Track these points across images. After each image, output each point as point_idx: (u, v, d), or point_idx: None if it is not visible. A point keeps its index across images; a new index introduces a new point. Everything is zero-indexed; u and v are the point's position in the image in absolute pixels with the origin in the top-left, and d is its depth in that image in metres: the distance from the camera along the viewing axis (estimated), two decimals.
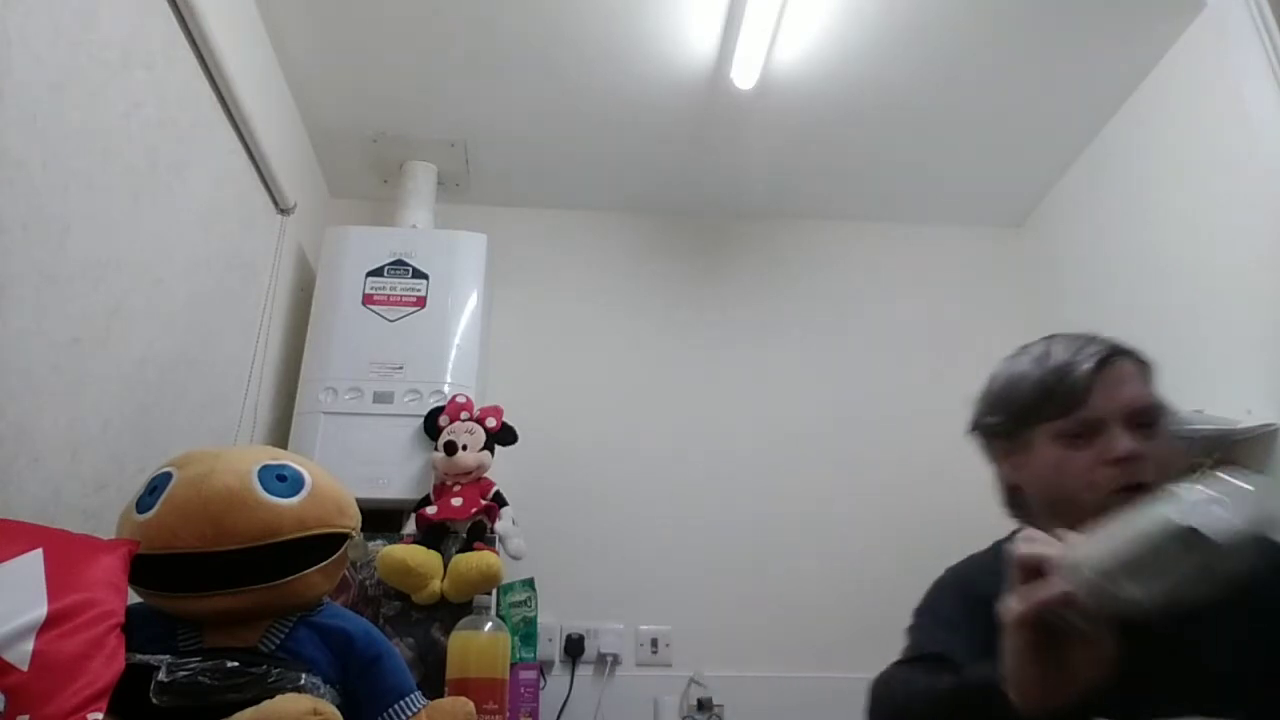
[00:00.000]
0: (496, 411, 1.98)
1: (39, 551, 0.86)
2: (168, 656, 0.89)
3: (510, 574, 1.92)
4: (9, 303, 1.11)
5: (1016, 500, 1.03)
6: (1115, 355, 0.97)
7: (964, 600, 1.01)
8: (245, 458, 1.05)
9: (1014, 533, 0.95)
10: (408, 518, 1.90)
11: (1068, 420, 0.94)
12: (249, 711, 0.85)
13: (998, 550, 1.02)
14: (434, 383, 2.07)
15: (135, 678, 0.86)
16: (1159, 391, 0.98)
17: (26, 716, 0.76)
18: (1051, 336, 1.03)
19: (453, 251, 2.26)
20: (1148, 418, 0.94)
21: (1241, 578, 0.63)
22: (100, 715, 0.80)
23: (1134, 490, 0.88)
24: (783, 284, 2.71)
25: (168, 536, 0.96)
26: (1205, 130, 2.01)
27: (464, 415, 1.96)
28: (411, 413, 2.02)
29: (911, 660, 1.00)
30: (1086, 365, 0.95)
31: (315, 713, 0.86)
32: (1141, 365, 0.99)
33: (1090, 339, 0.99)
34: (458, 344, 2.14)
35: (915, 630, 1.05)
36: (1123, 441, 0.91)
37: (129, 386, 1.43)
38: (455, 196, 2.62)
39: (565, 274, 2.66)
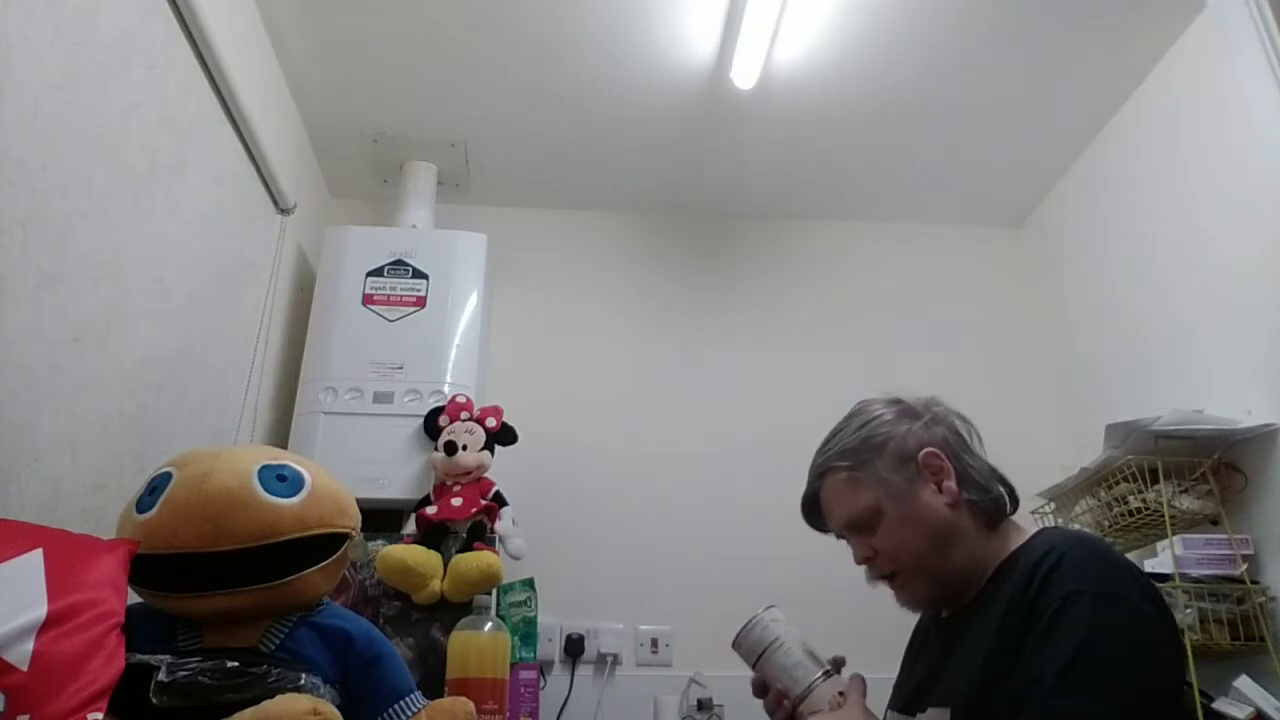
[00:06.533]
0: (496, 411, 1.98)
1: (39, 551, 0.86)
2: (168, 656, 0.89)
3: (510, 574, 1.92)
4: (9, 303, 1.11)
5: None
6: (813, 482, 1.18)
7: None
8: (245, 458, 1.04)
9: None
10: (408, 518, 1.90)
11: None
12: (249, 711, 0.85)
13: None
14: (434, 383, 2.07)
15: (135, 678, 0.86)
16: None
17: (26, 716, 0.76)
18: None
19: (453, 251, 2.25)
20: (860, 523, 1.11)
21: None
22: (100, 715, 0.80)
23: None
24: (783, 284, 2.71)
25: (168, 536, 0.96)
26: (1205, 130, 2.01)
27: (464, 415, 1.96)
28: (411, 413, 2.02)
29: None
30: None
31: (315, 713, 0.86)
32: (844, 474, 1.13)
33: None
34: (458, 344, 2.14)
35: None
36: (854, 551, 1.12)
37: (129, 386, 1.43)
38: (455, 196, 2.62)
39: (565, 274, 2.66)
